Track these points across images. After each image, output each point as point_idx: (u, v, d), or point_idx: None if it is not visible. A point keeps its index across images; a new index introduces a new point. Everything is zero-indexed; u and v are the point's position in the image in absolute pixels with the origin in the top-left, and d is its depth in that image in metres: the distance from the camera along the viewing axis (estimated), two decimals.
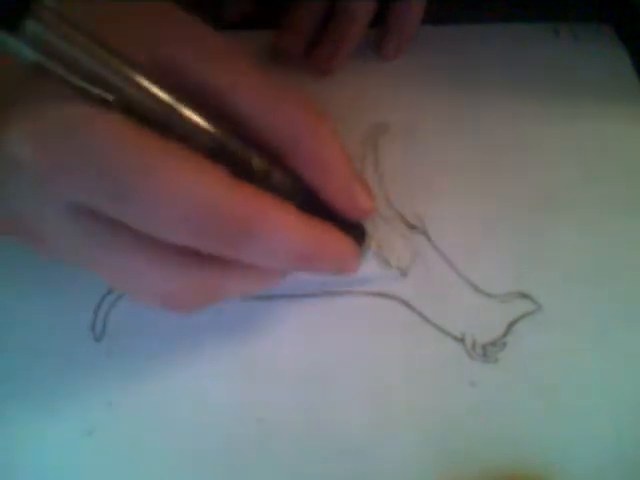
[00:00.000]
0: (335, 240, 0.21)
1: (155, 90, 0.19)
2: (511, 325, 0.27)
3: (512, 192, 0.31)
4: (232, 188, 0.18)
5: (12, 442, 0.24)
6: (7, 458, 0.24)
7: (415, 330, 0.27)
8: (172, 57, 0.20)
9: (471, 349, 0.27)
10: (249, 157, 0.20)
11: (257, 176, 0.20)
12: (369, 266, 0.28)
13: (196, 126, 0.19)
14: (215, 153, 0.19)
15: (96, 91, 0.18)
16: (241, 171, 0.19)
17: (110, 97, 0.18)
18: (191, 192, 0.18)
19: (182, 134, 0.19)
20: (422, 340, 0.27)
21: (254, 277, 0.22)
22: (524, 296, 0.28)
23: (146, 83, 0.18)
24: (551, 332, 0.27)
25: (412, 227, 0.30)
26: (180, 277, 0.20)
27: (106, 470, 0.24)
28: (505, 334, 0.27)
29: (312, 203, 0.22)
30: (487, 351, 0.27)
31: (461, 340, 0.27)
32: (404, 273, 0.28)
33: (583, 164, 0.32)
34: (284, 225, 0.19)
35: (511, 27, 0.37)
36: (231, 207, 0.18)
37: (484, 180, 0.31)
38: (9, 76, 0.19)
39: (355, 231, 0.24)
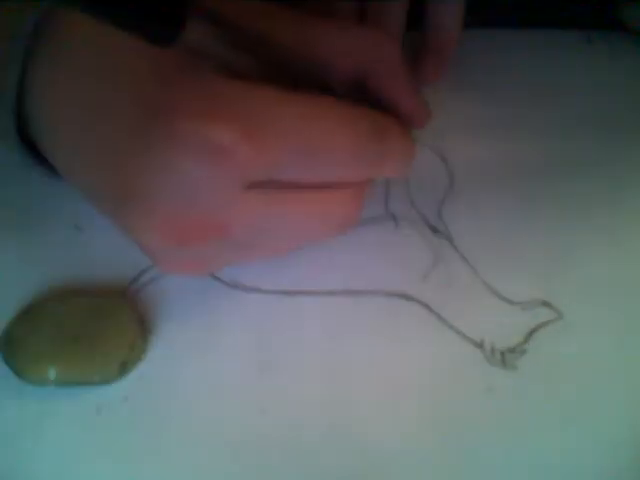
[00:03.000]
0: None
1: None
2: (531, 332, 0.27)
3: (539, 199, 0.31)
4: (359, 109, 0.22)
5: None
6: None
7: (433, 333, 0.27)
8: None
9: (490, 355, 0.27)
10: None
11: None
12: (392, 265, 0.28)
13: None
14: None
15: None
16: None
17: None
18: (347, 127, 0.22)
19: None
20: (440, 343, 0.27)
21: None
22: (545, 304, 0.28)
23: None
24: (572, 341, 0.27)
25: (435, 231, 0.30)
26: (344, 202, 0.23)
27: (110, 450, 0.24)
28: (525, 341, 0.27)
29: None
30: (506, 357, 0.26)
31: (480, 345, 0.27)
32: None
33: (613, 174, 0.31)
34: (401, 127, 0.24)
35: (542, 33, 0.37)
36: (369, 122, 0.22)
37: (511, 186, 0.31)
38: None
39: None
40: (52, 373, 0.24)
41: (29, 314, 0.26)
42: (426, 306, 0.28)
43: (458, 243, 0.29)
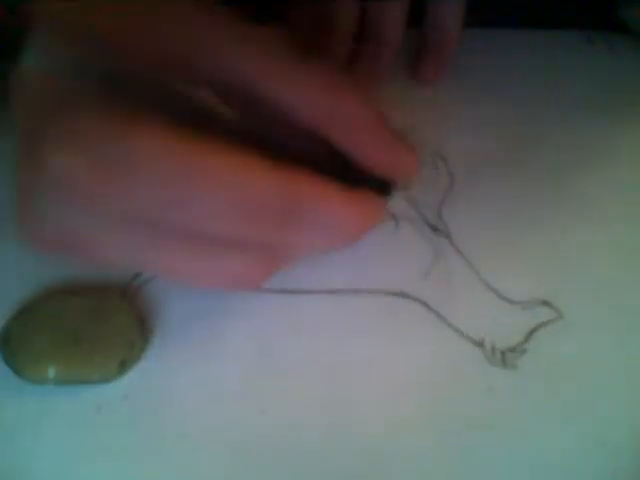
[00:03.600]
0: (374, 207, 0.21)
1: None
2: (532, 332, 0.27)
3: (539, 199, 0.31)
4: (276, 172, 0.19)
5: None
6: None
7: (433, 332, 0.27)
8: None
9: (490, 354, 0.27)
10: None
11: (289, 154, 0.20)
12: (392, 264, 0.28)
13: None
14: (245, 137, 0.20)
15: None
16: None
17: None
18: (241, 184, 0.18)
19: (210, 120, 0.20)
20: (440, 342, 0.27)
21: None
22: (546, 304, 0.28)
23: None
24: (572, 340, 0.27)
25: (435, 229, 0.30)
26: (243, 259, 0.21)
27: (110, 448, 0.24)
28: (525, 341, 0.27)
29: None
30: (506, 357, 0.26)
31: (480, 344, 0.27)
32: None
33: (614, 174, 0.31)
34: (330, 198, 0.20)
35: (542, 33, 0.37)
36: (280, 188, 0.19)
37: (511, 185, 0.31)
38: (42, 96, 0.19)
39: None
40: (52, 372, 0.24)
41: (29, 313, 0.26)
42: (426, 305, 0.28)
43: (458, 242, 0.29)
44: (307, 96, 0.21)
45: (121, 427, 0.24)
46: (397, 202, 0.30)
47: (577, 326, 0.27)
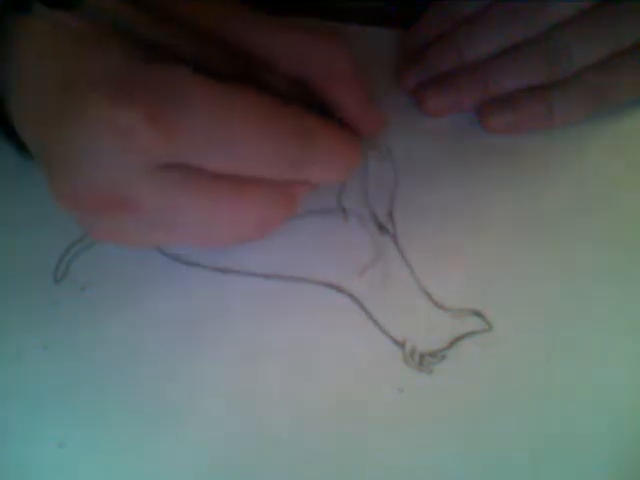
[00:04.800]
0: (357, 144, 0.25)
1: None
2: (456, 340, 0.27)
3: (491, 211, 0.30)
4: (286, 107, 0.22)
5: None
6: None
7: (357, 327, 0.27)
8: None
9: (408, 355, 0.26)
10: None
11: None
12: (332, 256, 0.29)
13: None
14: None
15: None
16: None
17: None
18: (271, 120, 0.21)
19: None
20: (362, 338, 0.27)
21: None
22: (477, 314, 0.27)
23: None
24: (496, 355, 0.27)
25: (381, 228, 0.30)
26: (265, 200, 0.23)
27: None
28: (447, 347, 0.27)
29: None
30: (424, 361, 0.26)
31: (401, 345, 0.27)
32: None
33: (572, 192, 0.30)
34: (335, 133, 0.23)
35: None
36: (299, 123, 0.22)
37: (465, 195, 0.31)
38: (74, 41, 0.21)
39: None
40: None
41: None
42: (355, 299, 0.28)
43: (404, 245, 0.29)
44: (293, 48, 0.23)
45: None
46: (350, 198, 0.30)
47: (504, 341, 0.27)
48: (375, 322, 0.27)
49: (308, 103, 0.24)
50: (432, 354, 0.27)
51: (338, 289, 0.28)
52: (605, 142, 0.32)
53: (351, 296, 0.28)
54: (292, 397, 0.26)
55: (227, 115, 0.20)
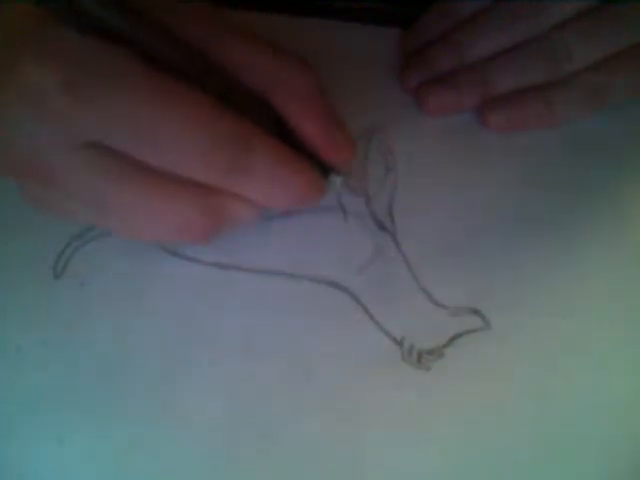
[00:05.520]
0: (307, 170, 0.24)
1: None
2: (454, 338, 0.27)
3: (491, 210, 0.30)
4: (236, 118, 0.21)
5: None
6: None
7: (356, 324, 0.27)
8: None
9: (406, 353, 0.26)
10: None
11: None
12: (331, 254, 0.29)
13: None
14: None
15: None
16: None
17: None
18: (203, 120, 0.20)
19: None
20: (360, 334, 0.27)
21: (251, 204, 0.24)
22: (475, 312, 0.27)
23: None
24: (494, 353, 0.27)
25: (381, 227, 0.30)
26: (192, 205, 0.22)
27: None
28: (446, 345, 0.27)
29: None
30: (422, 358, 0.26)
31: (399, 343, 0.27)
32: (369, 199, 0.29)
33: (572, 192, 0.31)
34: (280, 154, 0.22)
35: None
36: (237, 133, 0.21)
37: (468, 194, 0.31)
38: (22, 17, 0.20)
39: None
40: None
41: None
42: (353, 296, 0.28)
43: (403, 243, 0.29)
44: (254, 61, 0.23)
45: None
46: (350, 196, 0.30)
47: (504, 341, 0.27)
48: (373, 320, 0.27)
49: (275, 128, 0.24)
50: (430, 352, 0.27)
51: (337, 287, 0.28)
52: (605, 142, 0.32)
53: (350, 294, 0.28)
54: (291, 395, 0.26)
55: (158, 105, 0.20)
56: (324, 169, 0.25)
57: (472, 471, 0.24)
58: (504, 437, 0.25)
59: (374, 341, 0.27)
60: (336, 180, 0.26)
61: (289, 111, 0.24)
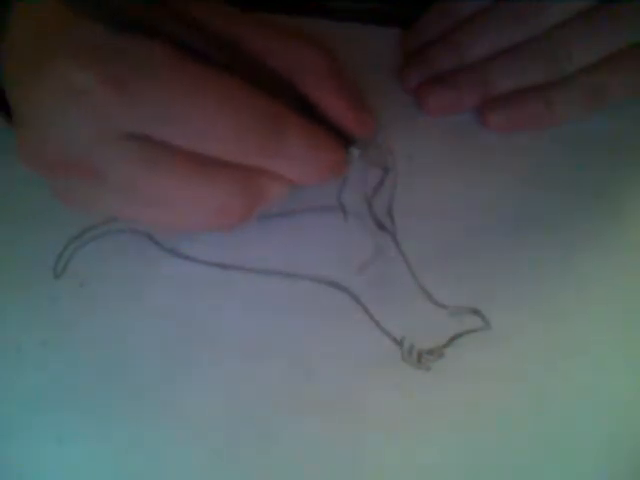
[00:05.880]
0: (336, 147, 0.25)
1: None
2: (454, 338, 0.27)
3: (491, 210, 0.30)
4: (268, 100, 0.22)
5: None
6: None
7: (356, 324, 0.27)
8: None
9: (407, 353, 0.26)
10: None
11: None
12: (331, 255, 0.29)
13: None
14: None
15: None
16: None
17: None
18: (237, 103, 0.22)
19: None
20: (360, 335, 0.27)
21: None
22: (475, 312, 0.27)
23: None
24: (494, 353, 0.27)
25: (381, 227, 0.30)
26: (230, 186, 0.23)
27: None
28: (446, 345, 0.27)
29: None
30: (422, 358, 0.26)
31: (399, 343, 0.27)
32: (387, 170, 0.29)
33: (572, 192, 0.31)
34: (311, 131, 0.23)
35: None
36: (270, 113, 0.22)
37: (467, 194, 0.31)
38: (53, 15, 0.21)
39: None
40: None
41: None
42: (353, 296, 0.28)
43: (403, 243, 0.29)
44: (277, 45, 0.24)
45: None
46: (350, 196, 0.30)
47: (504, 341, 0.27)
48: (374, 320, 0.27)
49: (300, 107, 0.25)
50: (430, 352, 0.27)
51: (337, 287, 0.28)
52: (605, 142, 0.32)
53: (350, 294, 0.28)
54: (291, 395, 0.26)
55: (193, 92, 0.21)
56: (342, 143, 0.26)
57: (472, 471, 0.24)
58: (504, 437, 0.25)
59: (374, 341, 0.27)
60: (355, 152, 0.26)
61: (313, 89, 0.25)
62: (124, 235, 0.29)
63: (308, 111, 0.25)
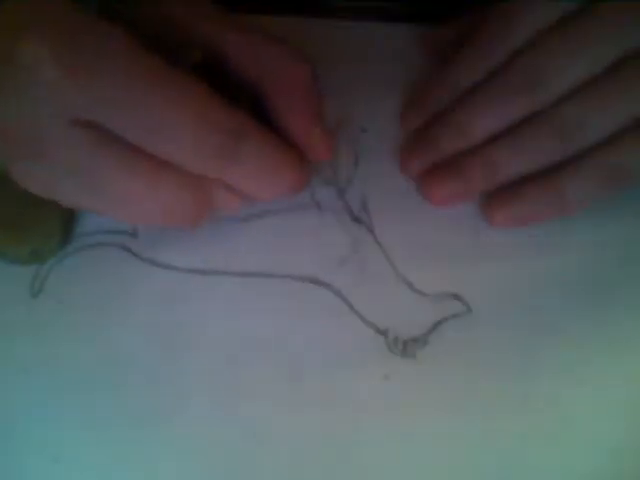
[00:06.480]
0: (296, 162, 0.24)
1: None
2: (437, 324, 0.27)
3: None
4: (230, 107, 0.22)
5: None
6: None
7: (339, 318, 0.27)
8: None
9: (392, 343, 0.27)
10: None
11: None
12: (309, 250, 0.29)
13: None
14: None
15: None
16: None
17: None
18: (197, 106, 0.21)
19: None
20: (344, 328, 0.27)
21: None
22: (456, 297, 0.28)
23: None
24: (477, 337, 0.27)
25: (356, 220, 0.30)
26: (179, 190, 0.23)
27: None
28: (429, 332, 0.27)
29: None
30: (407, 346, 0.27)
31: (383, 333, 0.27)
32: (343, 186, 0.29)
33: None
34: (271, 141, 0.23)
35: None
36: (231, 120, 0.22)
37: None
38: None
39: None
40: None
41: None
42: (334, 291, 0.28)
43: (380, 234, 0.29)
44: (245, 51, 0.24)
45: None
46: (323, 192, 0.30)
47: (485, 324, 0.27)
48: (357, 313, 0.28)
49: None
50: (414, 340, 0.27)
51: (318, 283, 0.28)
52: None
53: (332, 289, 0.28)
54: (278, 394, 0.26)
55: (151, 87, 0.20)
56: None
57: (461, 460, 0.25)
58: (490, 420, 0.25)
59: (359, 334, 0.27)
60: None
61: (275, 103, 0.24)
62: (100, 248, 0.28)
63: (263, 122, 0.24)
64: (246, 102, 0.24)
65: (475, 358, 0.27)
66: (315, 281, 0.28)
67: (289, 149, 0.24)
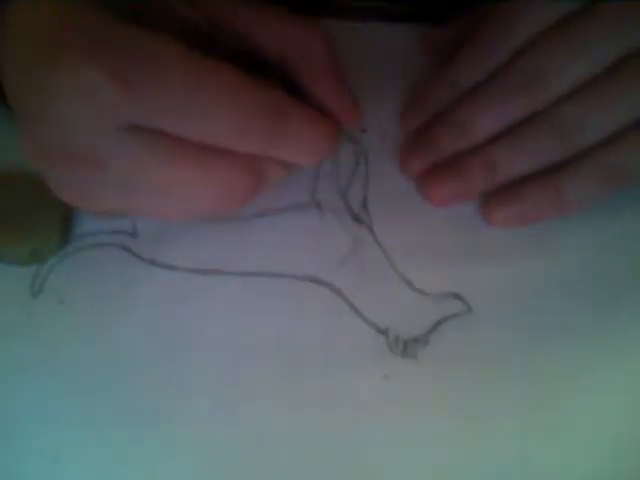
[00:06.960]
0: (333, 128, 0.25)
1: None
2: (438, 324, 0.27)
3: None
4: (270, 87, 0.23)
5: None
6: None
7: (340, 318, 0.27)
8: None
9: (393, 343, 0.27)
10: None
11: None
12: (309, 251, 0.29)
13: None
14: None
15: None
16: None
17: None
18: (242, 92, 0.22)
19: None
20: (345, 328, 0.27)
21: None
22: (457, 297, 0.28)
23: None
24: (478, 336, 0.27)
25: (357, 219, 0.30)
26: (232, 173, 0.23)
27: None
28: (430, 332, 0.27)
29: None
30: (408, 346, 0.27)
31: (384, 333, 0.27)
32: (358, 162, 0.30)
33: None
34: (310, 113, 0.24)
35: None
36: (272, 101, 0.23)
37: None
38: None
39: None
40: None
41: None
42: (335, 291, 0.28)
43: (381, 233, 0.30)
44: (269, 27, 0.25)
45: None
46: (324, 192, 0.30)
47: (486, 323, 0.27)
48: (358, 312, 0.28)
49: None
50: (415, 339, 0.27)
51: (319, 283, 0.28)
52: None
53: (332, 289, 0.28)
54: (277, 394, 0.26)
55: (197, 83, 0.21)
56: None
57: (461, 460, 0.25)
58: (490, 419, 0.25)
59: (359, 334, 0.27)
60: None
61: (303, 74, 0.25)
62: (100, 249, 0.28)
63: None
64: (276, 80, 0.25)
65: (475, 358, 0.26)
66: (315, 281, 0.28)
67: (324, 117, 0.25)
